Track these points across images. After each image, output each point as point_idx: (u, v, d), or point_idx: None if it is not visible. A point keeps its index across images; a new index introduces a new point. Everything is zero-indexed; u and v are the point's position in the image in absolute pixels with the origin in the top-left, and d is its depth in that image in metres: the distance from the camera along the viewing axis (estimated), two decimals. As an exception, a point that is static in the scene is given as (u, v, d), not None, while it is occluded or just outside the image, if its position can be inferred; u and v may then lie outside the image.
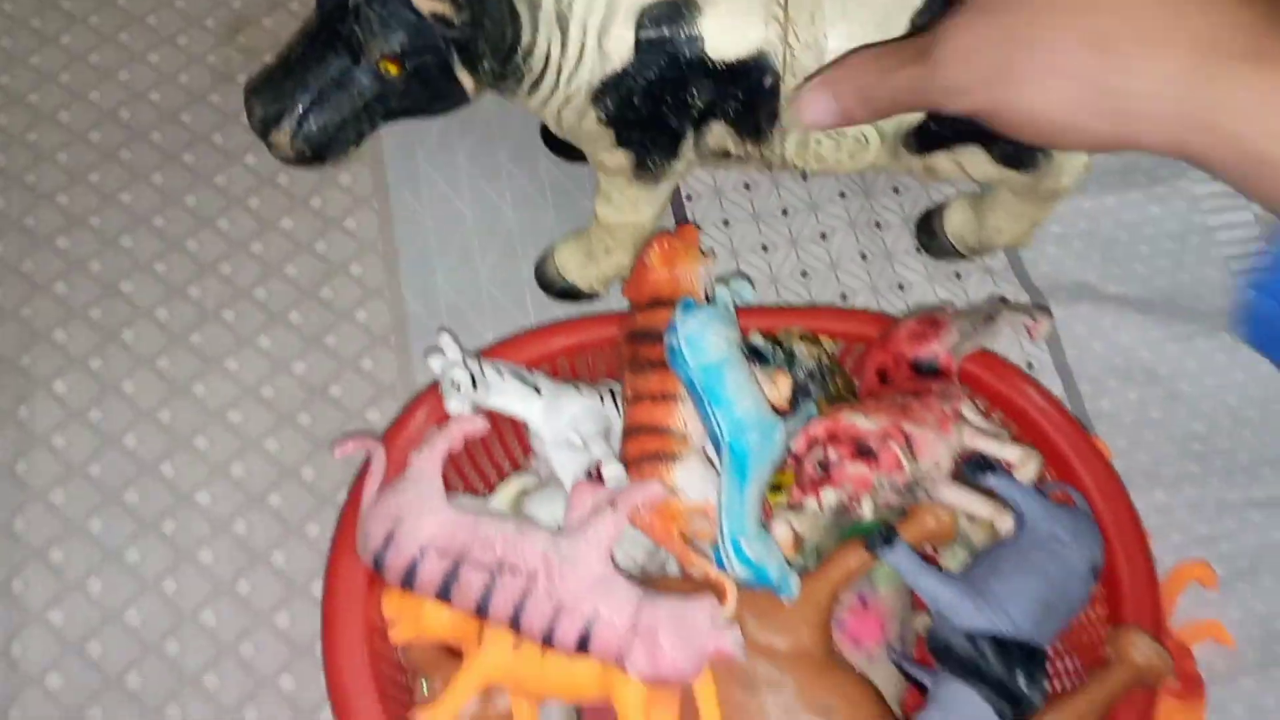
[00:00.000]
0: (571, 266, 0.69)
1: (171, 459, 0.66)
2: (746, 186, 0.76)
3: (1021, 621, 0.47)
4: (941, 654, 0.48)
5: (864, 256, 0.74)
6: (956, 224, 0.72)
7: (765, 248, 0.74)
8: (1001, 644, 0.46)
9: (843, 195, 0.76)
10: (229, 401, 0.68)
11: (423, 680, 0.53)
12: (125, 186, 0.74)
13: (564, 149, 0.76)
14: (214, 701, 0.60)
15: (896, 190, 0.76)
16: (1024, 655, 0.46)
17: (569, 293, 0.71)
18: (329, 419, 0.67)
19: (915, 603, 0.55)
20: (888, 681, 0.52)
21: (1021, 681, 0.46)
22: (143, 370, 0.68)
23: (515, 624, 0.46)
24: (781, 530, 0.50)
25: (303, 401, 0.68)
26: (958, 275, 0.73)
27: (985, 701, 0.46)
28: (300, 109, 0.54)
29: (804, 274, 0.73)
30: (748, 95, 0.58)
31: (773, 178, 0.76)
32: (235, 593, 0.63)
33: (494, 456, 0.60)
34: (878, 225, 0.75)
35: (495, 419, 0.58)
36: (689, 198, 0.75)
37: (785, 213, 0.75)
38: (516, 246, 0.73)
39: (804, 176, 0.76)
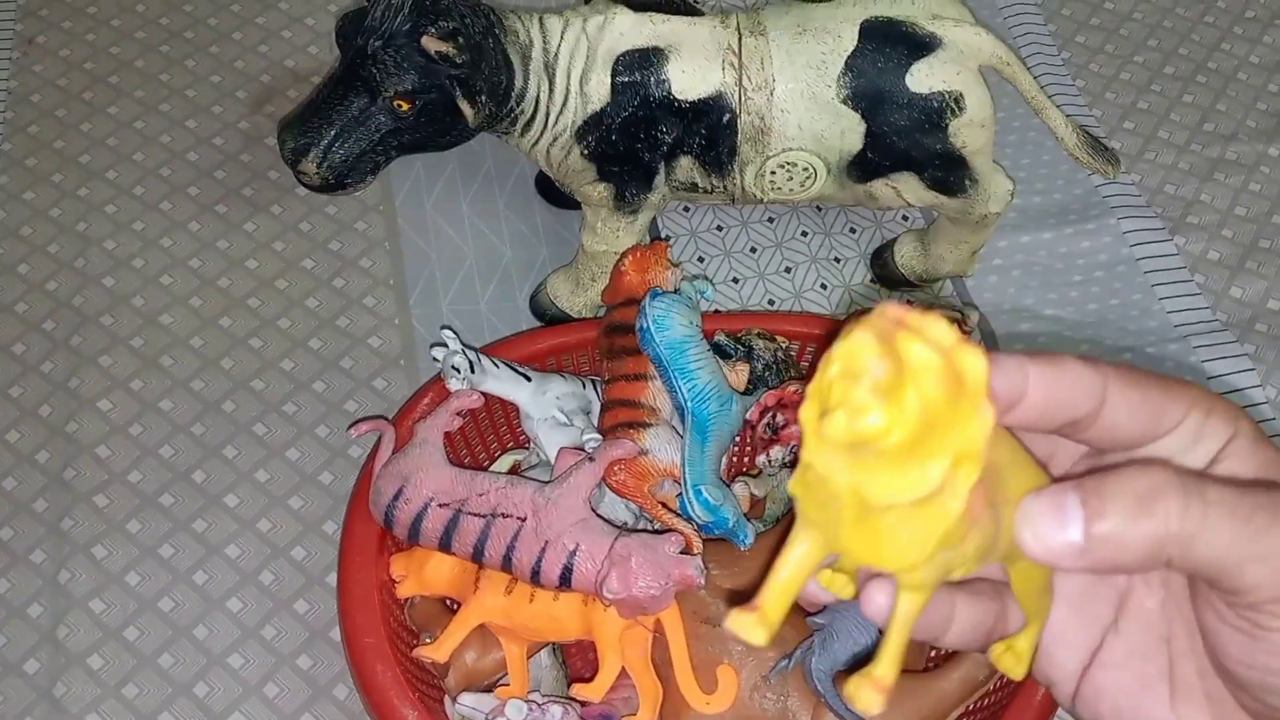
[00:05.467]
0: (562, 294, 0.78)
1: (203, 467, 0.74)
2: (719, 229, 0.85)
3: None
4: None
5: (824, 287, 0.82)
6: (905, 255, 0.80)
7: (736, 280, 0.82)
8: None
9: (804, 234, 0.85)
10: (256, 416, 0.76)
11: (426, 636, 0.59)
12: (165, 233, 0.83)
13: (555, 197, 0.85)
14: (238, 678, 0.66)
15: (853, 230, 0.85)
16: None
17: (559, 319, 0.79)
18: (345, 432, 0.75)
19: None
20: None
21: None
22: (179, 389, 0.76)
23: (507, 563, 0.53)
24: (739, 489, 0.58)
25: (322, 415, 0.76)
26: (909, 304, 0.81)
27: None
28: (325, 142, 0.64)
29: (770, 303, 0.81)
30: (709, 131, 0.67)
31: (742, 220, 0.85)
32: (259, 582, 0.70)
33: (490, 450, 0.67)
34: (836, 260, 0.83)
35: (491, 413, 0.66)
36: (668, 238, 0.84)
37: (753, 250, 0.84)
38: (513, 280, 0.82)
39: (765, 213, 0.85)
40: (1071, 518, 0.26)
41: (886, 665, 0.25)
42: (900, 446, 0.23)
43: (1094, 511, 0.26)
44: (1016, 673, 0.30)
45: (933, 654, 0.62)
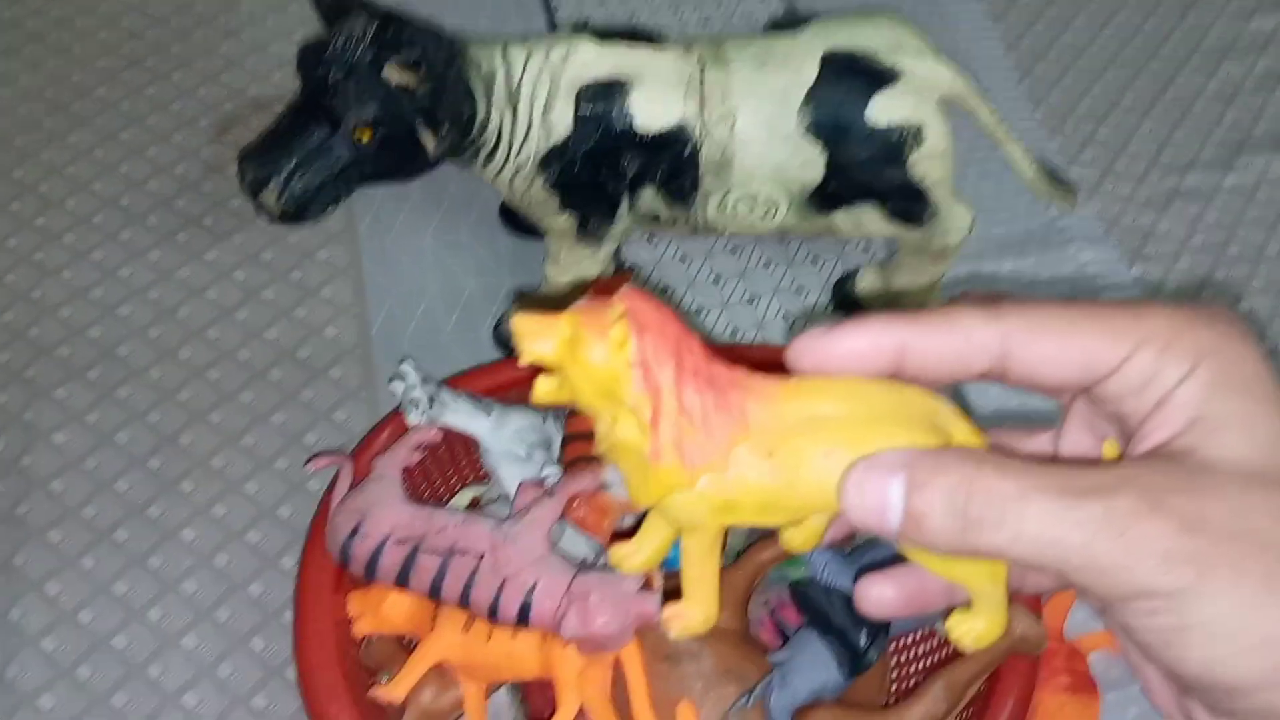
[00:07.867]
0: (525, 325, 0.78)
1: (159, 501, 0.72)
2: (682, 259, 0.85)
3: None
4: (801, 602, 0.54)
5: (786, 317, 0.82)
6: (867, 285, 0.80)
7: (699, 311, 0.82)
8: (852, 602, 0.53)
9: (768, 265, 0.85)
10: (213, 449, 0.74)
11: (383, 675, 0.59)
12: (124, 263, 0.82)
13: (520, 225, 0.85)
14: (193, 718, 0.65)
15: (815, 261, 0.85)
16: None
17: (523, 350, 0.79)
18: (304, 465, 0.74)
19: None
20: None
21: (863, 637, 0.52)
22: (135, 422, 0.75)
23: (465, 600, 0.53)
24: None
25: (281, 448, 0.75)
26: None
27: (827, 648, 0.52)
28: (285, 173, 0.63)
29: (734, 333, 0.81)
30: (672, 162, 0.67)
31: (706, 251, 0.85)
32: (215, 618, 0.69)
33: (450, 484, 0.67)
34: (799, 290, 0.84)
35: (452, 446, 0.65)
36: (632, 268, 0.84)
37: (717, 281, 0.84)
38: (476, 310, 0.81)
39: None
40: (893, 500, 0.26)
41: (687, 599, 0.31)
42: (594, 406, 0.27)
43: (915, 498, 0.25)
44: (963, 644, 0.30)
45: (893, 689, 0.62)
